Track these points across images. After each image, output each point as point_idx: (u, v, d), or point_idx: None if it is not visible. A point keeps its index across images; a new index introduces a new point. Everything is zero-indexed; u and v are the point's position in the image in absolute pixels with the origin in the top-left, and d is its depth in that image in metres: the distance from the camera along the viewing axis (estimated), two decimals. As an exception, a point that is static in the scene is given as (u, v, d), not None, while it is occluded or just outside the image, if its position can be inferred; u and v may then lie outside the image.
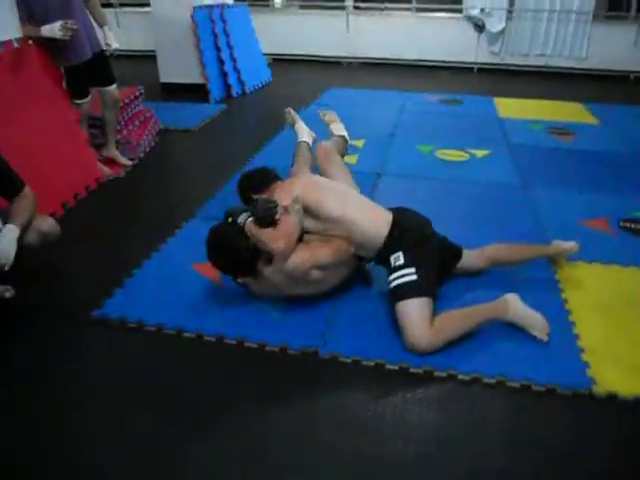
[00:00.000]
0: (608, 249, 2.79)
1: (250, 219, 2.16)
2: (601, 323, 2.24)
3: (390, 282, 2.16)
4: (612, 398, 1.85)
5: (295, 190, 2.27)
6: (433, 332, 2.03)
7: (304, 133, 2.99)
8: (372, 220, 2.27)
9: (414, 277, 2.10)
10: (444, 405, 1.85)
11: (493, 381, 1.92)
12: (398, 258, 2.16)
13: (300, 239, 2.20)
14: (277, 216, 2.15)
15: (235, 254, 2.15)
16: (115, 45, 3.59)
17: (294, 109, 3.17)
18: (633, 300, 2.40)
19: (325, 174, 2.61)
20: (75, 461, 1.66)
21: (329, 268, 2.20)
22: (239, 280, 2.25)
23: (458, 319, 2.11)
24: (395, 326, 2.12)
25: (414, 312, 2.04)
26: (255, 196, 2.32)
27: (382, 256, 2.24)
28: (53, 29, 3.18)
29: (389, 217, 2.28)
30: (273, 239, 2.08)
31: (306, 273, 2.14)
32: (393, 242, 2.21)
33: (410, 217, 2.34)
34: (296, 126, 3.06)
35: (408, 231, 2.23)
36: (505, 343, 2.10)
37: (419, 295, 2.07)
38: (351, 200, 2.35)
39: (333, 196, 2.31)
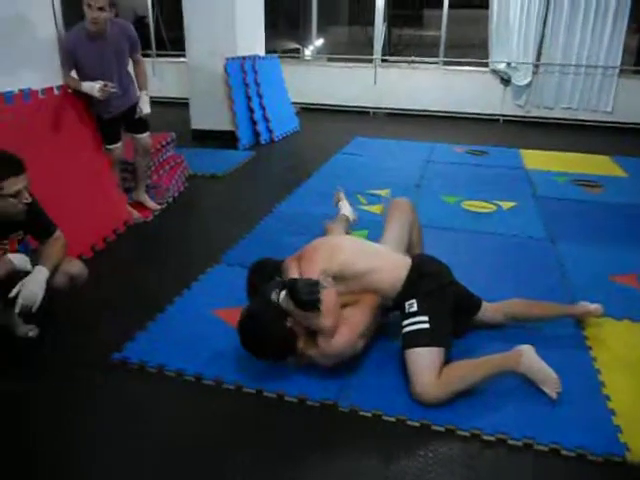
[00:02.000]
0: (638, 306, 2.71)
1: (287, 298, 2.07)
2: (632, 384, 2.16)
3: (402, 328, 2.14)
4: (647, 466, 1.76)
5: (319, 261, 2.20)
6: (440, 383, 1.98)
7: (346, 210, 3.12)
8: (392, 266, 2.27)
9: (426, 325, 2.08)
10: (468, 467, 1.78)
11: (520, 443, 1.84)
12: (412, 305, 2.15)
13: None
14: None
15: (278, 340, 2.09)
16: (147, 110, 3.70)
17: (321, 157, 3.25)
18: (665, 360, 2.31)
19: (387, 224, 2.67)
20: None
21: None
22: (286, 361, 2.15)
23: (467, 370, 2.06)
24: (404, 374, 2.09)
25: (423, 361, 2.01)
26: (289, 277, 2.18)
27: (398, 302, 2.22)
28: (93, 88, 3.32)
29: (408, 262, 2.29)
30: (323, 317, 2.03)
31: (354, 348, 2.13)
32: (410, 287, 2.20)
33: (429, 263, 2.34)
34: (340, 203, 3.19)
35: (425, 277, 2.22)
36: (531, 403, 2.03)
37: (430, 344, 2.04)
38: (369, 250, 2.37)
39: (352, 253, 2.29)
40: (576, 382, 2.13)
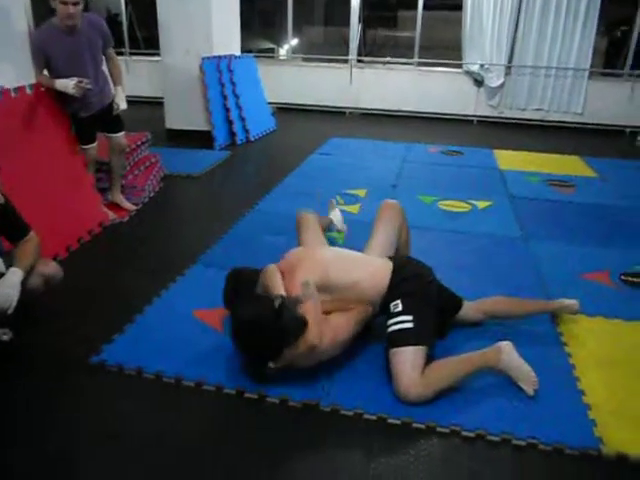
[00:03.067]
0: (610, 303, 2.78)
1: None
2: (606, 378, 2.21)
3: (387, 328, 2.16)
4: (622, 459, 1.81)
5: (301, 277, 2.17)
6: (424, 383, 2.01)
7: (336, 218, 3.42)
8: (374, 273, 2.30)
9: (410, 325, 2.11)
10: (448, 462, 1.81)
11: (498, 439, 1.88)
12: (397, 305, 2.18)
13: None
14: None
15: (272, 340, 2.05)
16: (123, 106, 3.65)
17: (297, 157, 3.32)
18: (637, 355, 2.38)
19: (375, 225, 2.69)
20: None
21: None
22: (272, 366, 2.07)
23: (449, 368, 2.09)
24: (388, 373, 2.11)
25: (407, 360, 2.04)
26: (273, 291, 2.13)
27: (384, 305, 2.25)
28: (67, 85, 3.25)
29: (389, 265, 2.32)
30: (308, 332, 2.02)
31: (334, 352, 2.15)
32: (394, 289, 2.23)
33: (411, 265, 2.37)
34: (332, 212, 3.45)
35: (408, 278, 2.26)
36: (510, 399, 2.06)
37: (414, 343, 2.06)
38: (349, 261, 2.37)
39: (335, 269, 2.27)
40: (552, 378, 2.17)
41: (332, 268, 2.27)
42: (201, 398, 2.07)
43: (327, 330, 2.09)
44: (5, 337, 2.34)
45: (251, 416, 1.99)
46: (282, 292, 2.12)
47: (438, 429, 1.91)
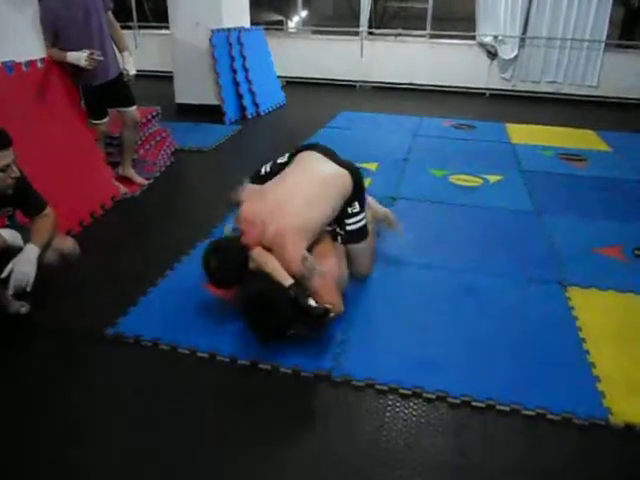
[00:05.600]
0: (622, 277, 2.77)
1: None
2: (616, 352, 2.22)
3: (347, 227, 2.45)
4: (629, 429, 1.83)
5: (293, 249, 2.14)
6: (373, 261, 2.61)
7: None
8: (341, 192, 2.41)
9: (365, 221, 2.48)
10: (457, 432, 1.84)
11: (507, 408, 1.90)
12: (354, 206, 2.44)
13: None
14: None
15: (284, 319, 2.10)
16: (133, 72, 3.65)
17: (307, 132, 3.29)
18: (648, 329, 2.39)
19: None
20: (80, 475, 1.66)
21: None
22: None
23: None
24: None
25: (367, 249, 2.53)
26: (305, 302, 2.08)
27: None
28: (79, 58, 3.26)
29: (347, 175, 2.44)
30: (333, 306, 2.09)
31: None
32: (353, 193, 2.44)
33: (356, 167, 2.53)
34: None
35: (358, 182, 2.46)
36: (519, 370, 2.09)
37: (368, 234, 2.50)
38: (314, 195, 2.35)
39: (305, 211, 2.28)
40: (562, 350, 2.20)
41: (305, 214, 2.26)
42: (216, 368, 2.11)
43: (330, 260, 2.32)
44: (23, 310, 2.40)
45: (264, 386, 2.03)
46: (289, 279, 2.09)
47: (449, 399, 1.94)
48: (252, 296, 2.12)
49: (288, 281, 2.09)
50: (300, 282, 2.09)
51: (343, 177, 2.42)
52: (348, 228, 2.44)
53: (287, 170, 2.48)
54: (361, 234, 2.48)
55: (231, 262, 2.22)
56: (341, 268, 2.39)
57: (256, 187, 2.47)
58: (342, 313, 2.19)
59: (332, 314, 2.06)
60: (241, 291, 2.24)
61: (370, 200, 2.82)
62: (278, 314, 2.06)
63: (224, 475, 1.66)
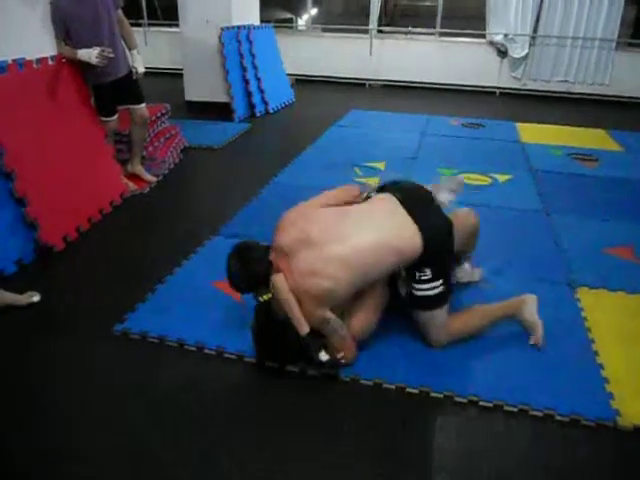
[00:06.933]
0: (632, 278, 2.75)
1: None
2: (625, 353, 2.20)
3: (414, 291, 2.09)
4: (638, 431, 1.81)
5: (315, 305, 1.93)
6: (449, 336, 2.16)
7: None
8: (402, 250, 2.00)
9: (441, 289, 2.09)
10: (465, 432, 1.83)
11: (515, 409, 1.89)
12: (424, 273, 2.06)
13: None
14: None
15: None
16: (142, 70, 3.68)
17: (317, 130, 3.21)
18: (658, 331, 2.36)
19: None
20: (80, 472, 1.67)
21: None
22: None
23: (473, 321, 2.22)
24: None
25: (439, 320, 2.13)
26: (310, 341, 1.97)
27: (408, 269, 2.09)
28: (90, 55, 3.28)
29: (417, 236, 2.01)
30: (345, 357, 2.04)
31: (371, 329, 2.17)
32: (421, 259, 2.03)
33: (437, 229, 2.10)
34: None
35: (437, 247, 2.06)
36: (528, 371, 2.08)
37: (444, 304, 2.13)
38: (368, 247, 1.98)
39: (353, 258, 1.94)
40: (571, 351, 2.18)
41: (352, 261, 1.93)
42: (222, 365, 2.12)
43: (361, 314, 2.11)
44: (35, 298, 2.45)
45: (271, 385, 2.03)
46: (305, 327, 1.93)
47: (456, 399, 1.94)
48: (262, 327, 2.07)
49: (304, 329, 1.93)
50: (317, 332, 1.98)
51: (406, 239, 2.00)
52: (415, 293, 2.10)
53: (354, 207, 2.15)
54: (428, 303, 2.10)
55: (247, 273, 2.04)
56: (370, 321, 2.12)
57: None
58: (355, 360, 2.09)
59: (343, 361, 2.03)
60: (256, 314, 2.10)
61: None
62: (285, 352, 2.06)
63: (232, 474, 1.66)
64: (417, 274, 2.07)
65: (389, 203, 2.10)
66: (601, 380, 2.04)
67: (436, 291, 2.08)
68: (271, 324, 2.02)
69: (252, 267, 2.04)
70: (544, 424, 1.85)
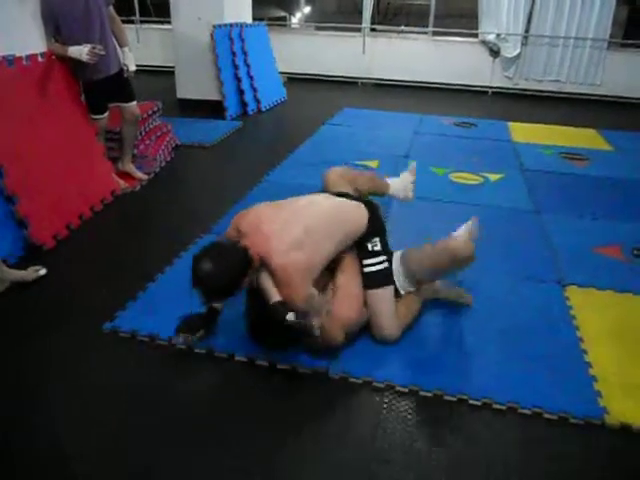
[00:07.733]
0: (621, 277, 2.77)
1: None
2: (613, 352, 2.22)
3: (365, 269, 2.17)
4: (625, 429, 1.83)
5: (297, 285, 1.92)
6: (399, 325, 2.18)
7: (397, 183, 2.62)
8: (355, 219, 2.19)
9: (386, 264, 2.18)
10: (454, 430, 1.84)
11: (504, 407, 1.90)
12: (375, 244, 2.18)
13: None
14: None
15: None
16: (133, 68, 3.66)
17: (309, 128, 3.20)
18: (646, 329, 2.38)
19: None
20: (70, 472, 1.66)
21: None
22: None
23: (415, 300, 2.27)
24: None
25: (387, 300, 2.15)
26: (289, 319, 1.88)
27: (360, 242, 2.20)
28: (81, 52, 3.25)
29: (362, 207, 2.23)
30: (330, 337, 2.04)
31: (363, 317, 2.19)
32: (371, 226, 2.20)
33: (372, 202, 2.35)
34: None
35: (378, 215, 2.29)
36: (515, 369, 2.09)
37: (391, 283, 2.18)
38: (325, 222, 2.11)
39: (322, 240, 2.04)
40: (559, 349, 2.20)
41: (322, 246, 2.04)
42: (213, 365, 2.11)
43: (348, 301, 2.13)
44: (41, 272, 2.54)
45: (262, 383, 2.03)
46: (276, 296, 1.92)
47: (445, 397, 1.94)
48: (252, 309, 2.13)
49: (275, 298, 1.91)
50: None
51: (354, 206, 2.21)
52: (366, 270, 2.15)
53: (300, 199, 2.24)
54: (377, 280, 2.16)
55: (230, 268, 1.89)
56: (357, 309, 2.14)
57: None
58: (339, 345, 2.08)
59: (316, 332, 1.88)
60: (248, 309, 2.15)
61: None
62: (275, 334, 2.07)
63: (223, 472, 1.66)
64: (369, 245, 2.18)
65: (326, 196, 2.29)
66: (589, 378, 2.05)
67: (381, 267, 2.17)
68: (260, 306, 2.01)
69: (228, 258, 1.89)
70: (532, 422, 1.86)
